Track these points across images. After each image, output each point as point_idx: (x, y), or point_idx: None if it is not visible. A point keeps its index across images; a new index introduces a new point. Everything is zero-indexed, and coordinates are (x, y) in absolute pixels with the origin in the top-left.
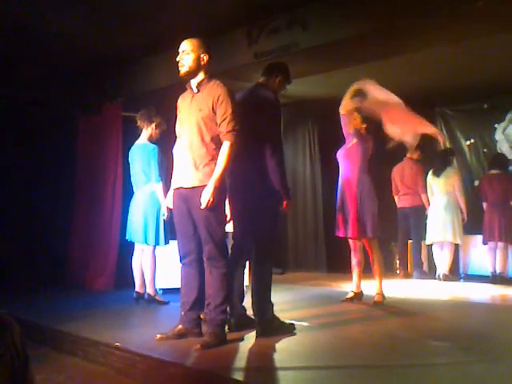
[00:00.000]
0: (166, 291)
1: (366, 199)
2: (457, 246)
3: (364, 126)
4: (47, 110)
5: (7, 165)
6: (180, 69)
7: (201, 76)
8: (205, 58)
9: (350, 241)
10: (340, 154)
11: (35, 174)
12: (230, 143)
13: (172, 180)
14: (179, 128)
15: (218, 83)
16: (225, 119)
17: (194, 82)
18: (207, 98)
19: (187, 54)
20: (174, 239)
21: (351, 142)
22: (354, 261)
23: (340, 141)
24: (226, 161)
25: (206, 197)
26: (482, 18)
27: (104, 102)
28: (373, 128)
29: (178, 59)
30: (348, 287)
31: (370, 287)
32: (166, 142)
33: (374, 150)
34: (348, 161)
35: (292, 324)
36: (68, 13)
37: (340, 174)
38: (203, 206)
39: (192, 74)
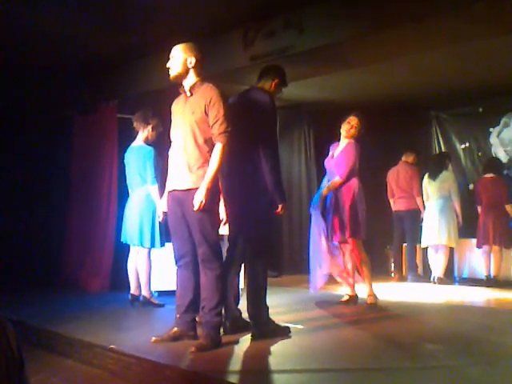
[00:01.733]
0: (161, 294)
1: (358, 202)
2: (452, 250)
3: (358, 132)
4: (43, 111)
5: (2, 165)
6: (170, 73)
7: (193, 79)
8: (192, 61)
9: (343, 245)
10: (330, 164)
11: (30, 175)
12: (223, 145)
13: (166, 183)
14: (173, 131)
15: (210, 86)
16: (217, 121)
17: (187, 86)
18: (200, 100)
19: (174, 59)
20: (170, 241)
21: (338, 148)
22: (348, 265)
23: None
24: (219, 162)
25: (198, 198)
26: (479, 22)
27: (100, 103)
28: (361, 132)
29: (167, 65)
30: (343, 290)
31: (364, 291)
32: (162, 144)
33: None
34: (339, 164)
35: (287, 327)
36: (64, 13)
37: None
38: (196, 207)
39: (181, 77)
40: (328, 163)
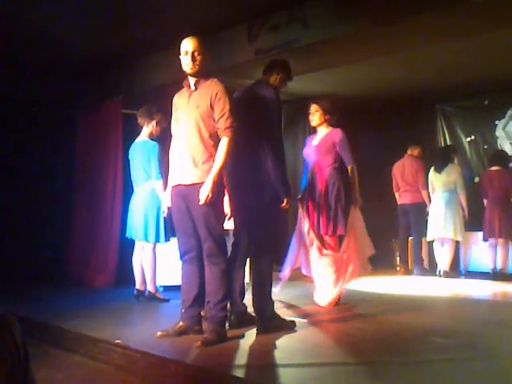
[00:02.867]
0: (166, 288)
1: (341, 196)
2: (457, 243)
3: (327, 117)
4: (46, 109)
5: (7, 163)
6: (191, 67)
7: (200, 74)
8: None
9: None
10: (309, 152)
11: (35, 172)
12: (229, 139)
13: (169, 178)
14: (176, 126)
15: (215, 81)
16: (223, 115)
17: (191, 80)
18: (204, 95)
19: (199, 54)
20: (175, 236)
21: (317, 137)
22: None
23: None
24: (225, 156)
25: (204, 192)
26: (481, 15)
27: (103, 100)
28: (336, 119)
29: (190, 58)
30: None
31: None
32: (166, 139)
33: (348, 142)
34: (320, 157)
35: (292, 321)
36: (67, 11)
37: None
38: (202, 201)
39: (200, 72)
40: (307, 151)
